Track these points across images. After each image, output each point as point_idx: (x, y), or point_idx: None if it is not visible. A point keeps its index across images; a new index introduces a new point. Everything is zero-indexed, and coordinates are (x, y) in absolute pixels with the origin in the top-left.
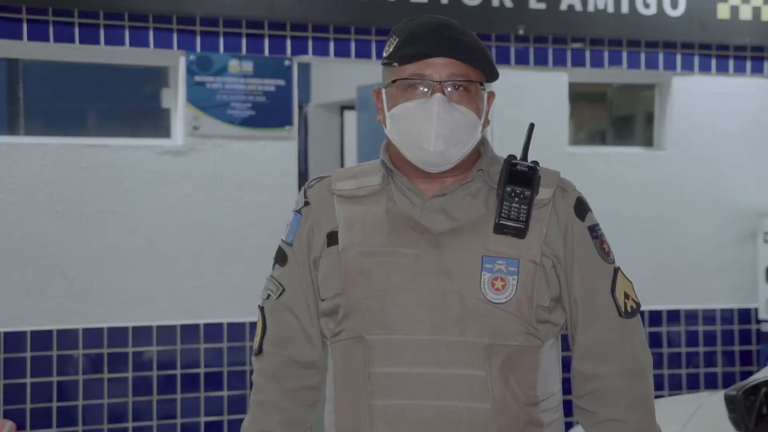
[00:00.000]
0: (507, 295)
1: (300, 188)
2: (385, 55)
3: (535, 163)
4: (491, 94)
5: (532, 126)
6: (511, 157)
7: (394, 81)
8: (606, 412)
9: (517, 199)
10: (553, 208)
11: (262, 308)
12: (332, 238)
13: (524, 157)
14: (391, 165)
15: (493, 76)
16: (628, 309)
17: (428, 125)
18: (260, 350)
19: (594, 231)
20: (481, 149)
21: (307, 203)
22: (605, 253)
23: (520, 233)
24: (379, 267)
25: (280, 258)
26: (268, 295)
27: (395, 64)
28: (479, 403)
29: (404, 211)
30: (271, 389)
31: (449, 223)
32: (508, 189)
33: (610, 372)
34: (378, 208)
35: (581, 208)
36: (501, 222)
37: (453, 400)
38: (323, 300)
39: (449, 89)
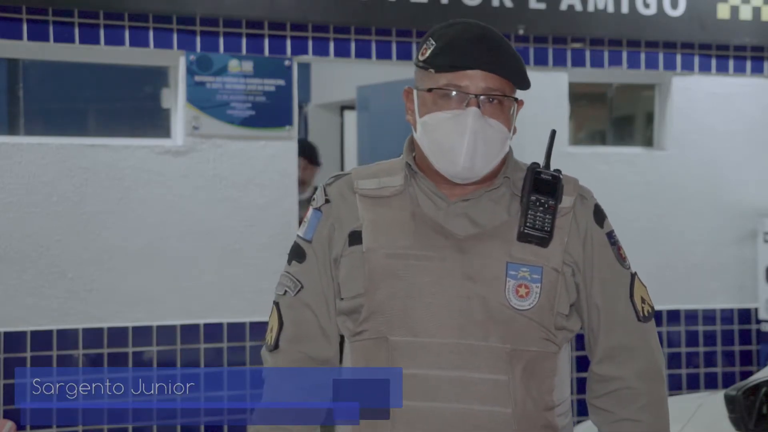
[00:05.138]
0: (530, 302)
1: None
2: (420, 58)
3: (558, 171)
4: (520, 102)
5: (553, 133)
6: (535, 164)
7: (429, 90)
8: (623, 411)
9: (541, 208)
10: (574, 216)
11: (277, 303)
12: (354, 238)
13: (547, 164)
14: (415, 167)
15: (525, 86)
16: (645, 313)
17: (461, 140)
18: (276, 346)
19: (611, 237)
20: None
21: (327, 201)
22: (622, 259)
23: (544, 242)
24: (406, 269)
25: (298, 255)
26: (285, 291)
27: (431, 70)
28: (501, 407)
29: (429, 214)
30: (286, 385)
31: (473, 228)
32: (533, 198)
33: (628, 374)
34: (403, 211)
35: (599, 215)
36: (526, 231)
37: (475, 403)
38: (342, 299)
39: (483, 102)
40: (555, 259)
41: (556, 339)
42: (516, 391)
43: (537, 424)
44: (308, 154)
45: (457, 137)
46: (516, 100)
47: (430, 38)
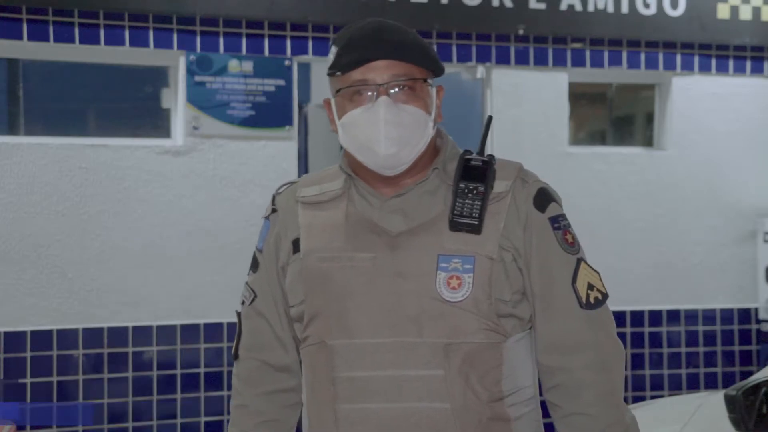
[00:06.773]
0: (463, 294)
1: None
2: (327, 65)
3: (491, 156)
4: (440, 88)
5: (490, 118)
6: (467, 152)
7: (338, 90)
8: (571, 405)
9: (470, 195)
10: (513, 200)
11: (239, 314)
12: (296, 245)
13: (481, 150)
14: (349, 170)
15: (438, 71)
16: (591, 300)
17: (376, 129)
18: (236, 355)
19: (556, 222)
20: (439, 143)
21: (274, 210)
22: (568, 244)
23: (475, 229)
24: (338, 271)
25: (253, 265)
26: (243, 301)
27: (338, 73)
28: (439, 403)
29: (363, 213)
30: (247, 393)
31: (406, 224)
32: (461, 185)
33: (573, 365)
34: (338, 213)
35: (542, 199)
36: (455, 219)
37: (413, 401)
38: (292, 307)
39: (394, 90)
40: (489, 245)
41: (501, 328)
42: (454, 385)
43: (483, 417)
44: None
45: (372, 128)
46: (428, 82)
47: (332, 45)
